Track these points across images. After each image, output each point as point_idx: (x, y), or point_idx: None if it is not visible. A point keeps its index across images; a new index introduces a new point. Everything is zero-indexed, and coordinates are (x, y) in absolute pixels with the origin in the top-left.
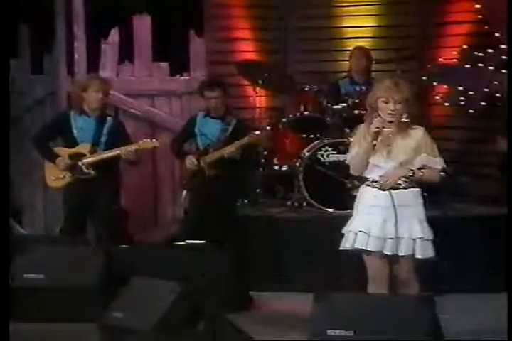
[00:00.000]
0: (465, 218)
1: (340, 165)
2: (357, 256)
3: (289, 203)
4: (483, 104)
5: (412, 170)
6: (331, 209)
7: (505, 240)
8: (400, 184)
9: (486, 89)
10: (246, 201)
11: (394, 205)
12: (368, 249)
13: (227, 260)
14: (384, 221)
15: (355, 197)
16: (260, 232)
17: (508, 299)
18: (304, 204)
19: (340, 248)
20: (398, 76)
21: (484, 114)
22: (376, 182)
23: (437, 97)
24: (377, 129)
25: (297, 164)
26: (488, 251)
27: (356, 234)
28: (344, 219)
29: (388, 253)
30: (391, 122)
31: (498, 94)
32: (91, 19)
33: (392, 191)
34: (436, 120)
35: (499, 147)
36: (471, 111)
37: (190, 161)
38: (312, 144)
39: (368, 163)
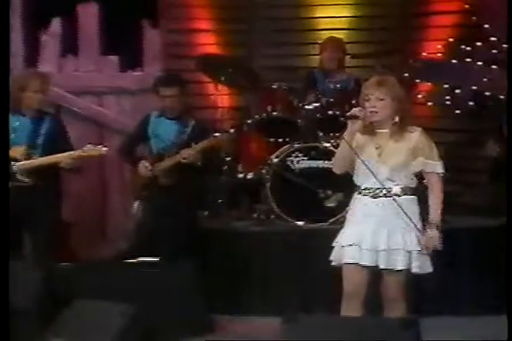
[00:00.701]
0: (453, 231)
1: (313, 172)
2: (331, 273)
3: (254, 215)
4: (471, 103)
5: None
6: (301, 223)
7: (498, 255)
8: (391, 190)
9: (474, 87)
10: (206, 213)
11: (387, 214)
12: (362, 264)
13: (184, 279)
14: (376, 232)
15: (328, 208)
16: (222, 248)
17: (508, 298)
18: (272, 216)
19: (332, 263)
20: (385, 73)
21: (472, 114)
22: (367, 189)
23: (420, 96)
24: (352, 115)
25: (264, 171)
26: (479, 267)
27: (347, 247)
28: (317, 233)
29: (382, 266)
30: (374, 122)
31: (487, 93)
32: (29, 7)
33: (385, 199)
34: (419, 121)
35: (489, 152)
36: (457, 111)
37: (144, 167)
38: (281, 149)
39: (352, 162)
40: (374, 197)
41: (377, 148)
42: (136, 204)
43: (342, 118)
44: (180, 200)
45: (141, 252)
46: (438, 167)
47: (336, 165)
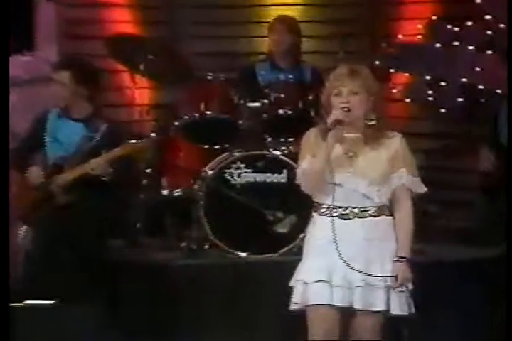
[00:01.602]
0: (437, 264)
1: (259, 188)
2: (286, 318)
3: (183, 244)
4: (459, 100)
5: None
6: (244, 254)
7: (491, 294)
8: (367, 210)
9: (463, 79)
10: (120, 241)
11: (361, 240)
12: (335, 305)
13: (89, 325)
14: (348, 263)
15: (279, 234)
16: (141, 287)
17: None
18: (206, 245)
19: (291, 307)
20: (350, 60)
21: (461, 114)
22: (334, 209)
23: (395, 90)
24: (336, 120)
25: (196, 187)
26: (469, 309)
27: (313, 284)
28: (264, 267)
29: (358, 307)
30: (345, 122)
31: (480, 86)
32: None
33: (358, 220)
34: (392, 123)
35: (482, 163)
36: (442, 110)
37: (35, 176)
38: (218, 158)
39: (326, 180)
40: (344, 218)
41: (349, 156)
42: (23, 229)
43: (295, 119)
44: (84, 225)
45: (32, 291)
46: (418, 185)
47: (309, 185)
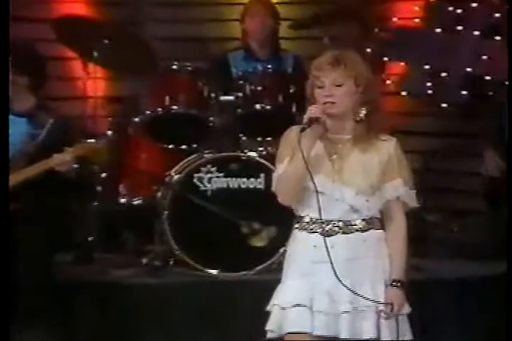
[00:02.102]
0: (436, 281)
1: (232, 196)
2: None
3: (144, 260)
4: (463, 93)
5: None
6: (215, 271)
7: (496, 312)
8: (354, 224)
9: (468, 69)
10: (70, 256)
11: (348, 259)
12: (316, 333)
13: None
14: (333, 285)
15: (255, 249)
16: (95, 309)
17: (507, 296)
18: (171, 262)
19: (267, 335)
20: (338, 48)
21: (465, 109)
22: (317, 223)
23: (389, 82)
24: (311, 118)
25: (159, 195)
26: (470, 330)
27: (291, 309)
28: (238, 287)
29: (345, 336)
30: (329, 118)
31: (487, 77)
32: None
33: (343, 236)
34: (386, 119)
35: (487, 165)
36: (443, 104)
37: None
38: (185, 161)
39: (306, 189)
40: (327, 234)
41: (333, 160)
42: None
43: (275, 115)
44: (29, 237)
45: None
46: (413, 198)
47: (285, 193)
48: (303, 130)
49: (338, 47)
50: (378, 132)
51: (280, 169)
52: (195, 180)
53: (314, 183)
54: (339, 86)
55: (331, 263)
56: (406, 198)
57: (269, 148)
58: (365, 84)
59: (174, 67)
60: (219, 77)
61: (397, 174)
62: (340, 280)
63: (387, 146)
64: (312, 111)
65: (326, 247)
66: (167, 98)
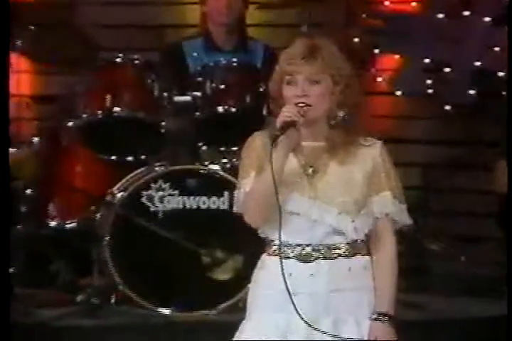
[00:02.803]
0: (440, 322)
1: (189, 218)
2: None
3: (80, 298)
4: (471, 92)
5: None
6: (167, 310)
7: None
8: (337, 248)
9: (476, 63)
10: None
11: (329, 290)
12: None
13: None
14: (312, 323)
15: (218, 284)
16: None
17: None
18: (112, 299)
19: None
20: (319, 36)
21: (473, 112)
22: (291, 247)
23: (380, 79)
24: (287, 122)
25: (98, 217)
26: None
27: None
28: (197, 330)
29: None
30: (301, 123)
31: (500, 73)
32: None
33: (324, 263)
34: (377, 124)
35: (499, 181)
36: (446, 106)
37: None
38: (131, 176)
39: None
40: (305, 260)
41: (308, 174)
42: None
43: (242, 119)
44: None
45: None
46: (404, 214)
47: (254, 214)
48: (276, 138)
49: (319, 36)
50: (359, 137)
51: (246, 186)
52: (143, 200)
53: (288, 202)
54: (315, 83)
55: (289, 293)
56: (396, 215)
57: (234, 160)
58: (345, 82)
59: (117, 59)
60: (172, 72)
61: (384, 185)
62: (299, 314)
63: (372, 153)
64: (287, 113)
65: (285, 276)
66: (108, 98)
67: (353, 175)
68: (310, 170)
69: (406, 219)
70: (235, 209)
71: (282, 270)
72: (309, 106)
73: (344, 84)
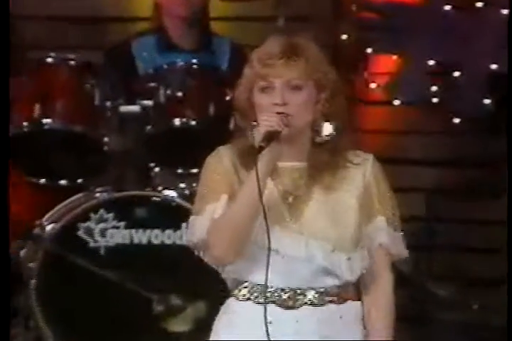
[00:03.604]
0: None
1: (138, 255)
2: None
3: None
4: (485, 102)
5: None
6: None
7: None
8: (327, 293)
9: (493, 66)
10: None
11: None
12: None
13: None
14: None
15: (173, 335)
16: None
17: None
18: None
19: None
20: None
21: (488, 125)
22: (269, 292)
23: (373, 85)
24: (271, 129)
25: (24, 254)
26: None
27: None
28: None
29: None
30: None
31: None
32: None
33: (310, 309)
34: (371, 141)
35: None
36: (455, 119)
37: None
38: (65, 203)
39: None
40: (285, 305)
41: (289, 203)
42: None
43: (203, 134)
44: None
45: None
46: (400, 244)
47: (225, 246)
48: (260, 150)
49: (298, 32)
50: (347, 153)
51: (213, 212)
52: (80, 233)
53: (266, 237)
54: (297, 90)
55: None
56: (391, 244)
57: (195, 185)
58: (331, 89)
59: (49, 60)
60: (117, 76)
61: (377, 209)
62: None
63: (362, 171)
64: (269, 122)
65: (265, 322)
66: (37, 107)
67: (345, 202)
68: (290, 198)
69: (402, 251)
70: (187, 240)
71: (265, 319)
72: (288, 115)
73: (330, 91)
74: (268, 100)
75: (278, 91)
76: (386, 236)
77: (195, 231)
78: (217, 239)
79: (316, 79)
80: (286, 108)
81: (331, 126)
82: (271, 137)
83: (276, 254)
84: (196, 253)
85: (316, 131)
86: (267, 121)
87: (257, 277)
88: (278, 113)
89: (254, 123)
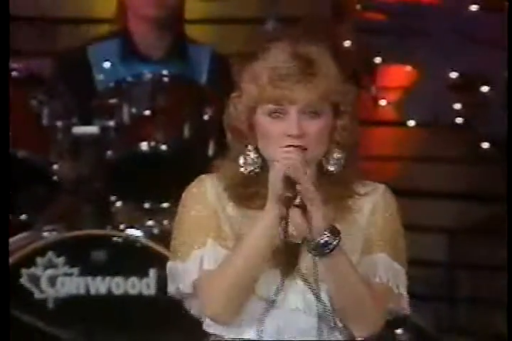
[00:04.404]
0: None
1: (97, 309)
2: None
3: None
4: None
5: None
6: None
7: None
8: None
9: None
10: None
11: None
12: None
13: None
14: None
15: None
16: None
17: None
18: None
19: None
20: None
21: None
22: None
23: (383, 102)
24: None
25: None
26: None
27: None
28: None
29: None
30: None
31: None
32: None
33: None
34: (381, 170)
35: None
36: (484, 144)
37: None
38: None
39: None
40: None
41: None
42: None
43: (177, 162)
44: None
45: None
46: (400, 299)
47: (224, 303)
48: (289, 201)
49: (293, 37)
50: (354, 183)
51: (201, 260)
52: (23, 281)
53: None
54: (315, 117)
55: None
56: (391, 282)
57: (166, 222)
58: (350, 114)
59: None
60: (71, 90)
61: (379, 245)
62: None
63: (371, 200)
64: (291, 160)
65: None
66: None
67: (351, 242)
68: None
69: (404, 306)
70: (171, 291)
71: None
72: (304, 149)
73: (349, 117)
74: (279, 129)
75: (293, 120)
76: (388, 274)
77: (180, 281)
78: (214, 297)
79: (335, 103)
80: (302, 140)
81: (341, 155)
82: (293, 181)
83: (268, 303)
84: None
85: (325, 161)
86: (289, 154)
87: (250, 333)
88: (291, 145)
89: (250, 147)
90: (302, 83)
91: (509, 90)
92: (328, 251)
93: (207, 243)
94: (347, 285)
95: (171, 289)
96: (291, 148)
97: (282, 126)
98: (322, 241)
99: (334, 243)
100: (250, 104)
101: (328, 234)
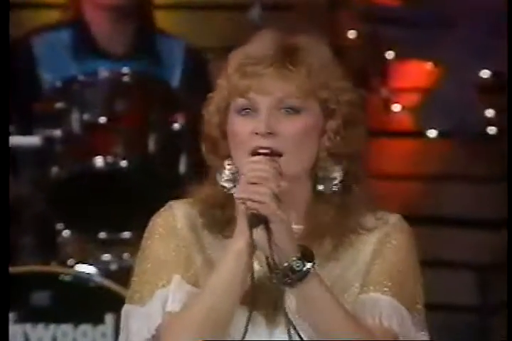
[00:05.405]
0: None
1: None
2: None
3: None
4: None
5: None
6: None
7: None
8: None
9: None
10: None
11: None
12: None
13: None
14: None
15: None
16: None
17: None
18: None
19: None
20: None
21: None
22: None
23: (397, 107)
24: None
25: None
26: None
27: None
28: None
29: None
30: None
31: None
32: None
33: None
34: (395, 191)
35: None
36: None
37: None
38: None
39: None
40: None
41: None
42: None
43: (141, 180)
44: None
45: None
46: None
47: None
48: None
49: (283, 28)
50: (360, 212)
51: (164, 301)
52: None
53: (248, 329)
54: (293, 114)
55: None
56: (396, 328)
57: (125, 256)
58: (345, 114)
59: None
60: (18, 90)
61: (378, 282)
62: None
63: (376, 237)
64: (260, 166)
65: None
66: None
67: (350, 281)
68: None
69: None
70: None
71: None
72: (278, 155)
73: (343, 118)
74: (248, 128)
75: (262, 115)
76: (388, 313)
77: (139, 328)
78: None
79: (323, 100)
80: (273, 141)
81: (341, 170)
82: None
83: None
84: None
85: (319, 176)
86: (252, 172)
87: None
88: (261, 147)
89: (228, 162)
90: (277, 72)
91: (509, 91)
92: (295, 278)
93: (172, 280)
94: (326, 323)
95: (122, 339)
96: (260, 157)
97: (251, 125)
98: (288, 267)
99: (304, 269)
100: (221, 103)
101: (297, 258)
